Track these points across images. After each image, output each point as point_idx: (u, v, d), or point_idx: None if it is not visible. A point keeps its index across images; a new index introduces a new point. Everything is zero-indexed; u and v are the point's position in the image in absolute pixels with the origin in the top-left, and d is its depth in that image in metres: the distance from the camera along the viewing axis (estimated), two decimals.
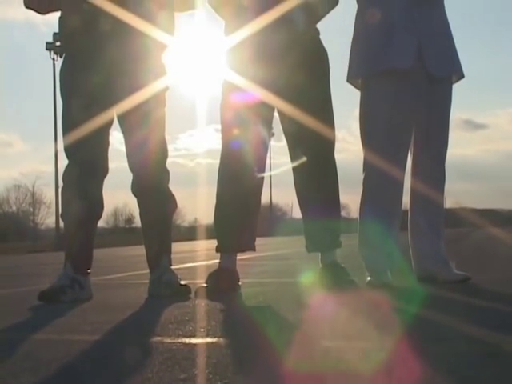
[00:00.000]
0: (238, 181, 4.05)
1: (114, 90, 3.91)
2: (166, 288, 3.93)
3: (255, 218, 4.19)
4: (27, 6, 4.15)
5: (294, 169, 4.15)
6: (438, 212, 4.20)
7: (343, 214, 4.67)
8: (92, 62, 3.92)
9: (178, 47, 4.28)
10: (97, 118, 3.90)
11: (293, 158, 4.13)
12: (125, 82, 3.90)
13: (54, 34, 38.09)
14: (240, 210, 4.07)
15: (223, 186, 4.13)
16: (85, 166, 3.97)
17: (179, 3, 4.13)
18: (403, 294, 3.66)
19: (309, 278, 4.25)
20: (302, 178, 4.14)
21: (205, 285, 3.94)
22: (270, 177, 57.01)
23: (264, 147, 4.14)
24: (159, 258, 4.06)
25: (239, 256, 4.19)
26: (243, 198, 4.08)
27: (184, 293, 3.91)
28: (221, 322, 2.85)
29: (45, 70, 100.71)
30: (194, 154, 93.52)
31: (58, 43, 35.84)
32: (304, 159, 4.02)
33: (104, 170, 4.07)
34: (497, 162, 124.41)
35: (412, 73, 3.98)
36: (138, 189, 4.07)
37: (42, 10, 4.17)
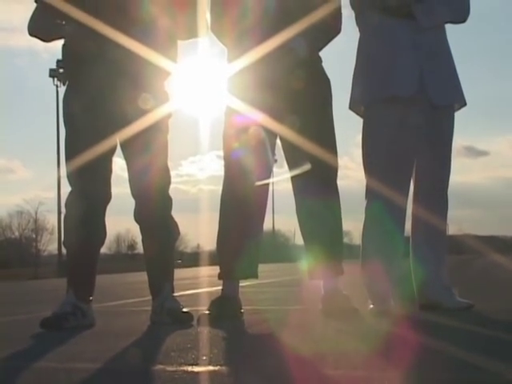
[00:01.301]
0: (240, 203, 4.04)
1: (117, 116, 3.92)
2: (168, 315, 3.92)
3: (258, 245, 4.19)
4: (31, 34, 4.18)
5: (296, 196, 4.14)
6: (440, 239, 4.20)
7: (346, 240, 4.67)
8: (95, 89, 3.93)
9: (181, 74, 4.30)
10: (100, 145, 3.91)
11: (294, 181, 4.14)
12: (128, 108, 3.91)
13: (58, 60, 38.27)
14: (243, 237, 4.06)
15: (226, 211, 4.13)
16: (87, 193, 3.97)
17: (182, 31, 4.15)
18: (406, 321, 3.65)
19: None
20: (304, 205, 4.13)
21: (207, 312, 3.92)
22: (273, 203, 57.16)
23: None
24: (161, 285, 4.05)
25: (242, 283, 4.18)
26: (246, 224, 4.07)
27: (186, 320, 3.89)
28: (223, 349, 2.84)
29: (47, 96, 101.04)
30: (196, 181, 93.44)
31: (61, 70, 35.96)
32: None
33: (107, 197, 4.07)
34: (499, 189, 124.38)
35: (414, 101, 4.00)
36: (140, 216, 4.07)
37: (47, 37, 4.20)
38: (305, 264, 4.21)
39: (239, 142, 4.06)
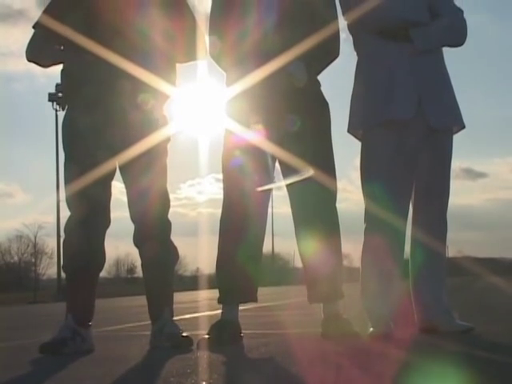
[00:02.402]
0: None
1: (116, 140, 3.93)
2: (168, 340, 3.90)
3: (257, 268, 4.18)
4: (30, 60, 4.19)
5: (295, 220, 4.14)
6: (439, 261, 4.19)
7: (345, 263, 4.65)
8: (94, 114, 3.94)
9: (180, 98, 4.31)
10: (99, 169, 3.91)
11: (293, 205, 4.14)
12: (127, 132, 3.92)
13: (57, 84, 38.41)
14: (242, 261, 4.05)
15: (225, 229, 4.12)
16: (87, 217, 3.97)
17: (181, 54, 4.16)
18: (406, 344, 3.64)
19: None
20: (303, 228, 4.13)
21: (207, 336, 3.91)
22: (272, 226, 57.07)
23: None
24: (161, 310, 4.03)
25: (241, 306, 4.17)
26: (245, 248, 4.06)
27: (186, 344, 3.88)
28: (223, 374, 2.83)
29: (46, 120, 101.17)
30: (195, 204, 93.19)
31: (60, 94, 36.05)
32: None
33: (106, 221, 4.07)
34: (498, 211, 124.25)
35: (412, 124, 4.01)
36: (139, 240, 4.06)
37: (45, 63, 4.22)
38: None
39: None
